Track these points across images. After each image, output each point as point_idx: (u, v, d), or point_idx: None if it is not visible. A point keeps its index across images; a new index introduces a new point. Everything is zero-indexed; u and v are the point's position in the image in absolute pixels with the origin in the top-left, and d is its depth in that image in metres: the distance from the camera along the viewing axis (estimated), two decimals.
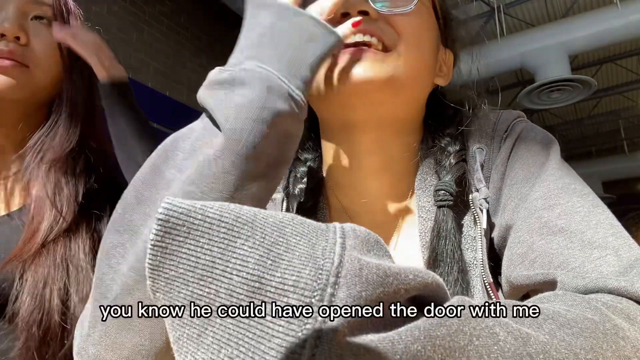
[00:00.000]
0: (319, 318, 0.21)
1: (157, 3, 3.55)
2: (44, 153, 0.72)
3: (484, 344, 0.26)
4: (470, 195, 0.52)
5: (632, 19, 3.63)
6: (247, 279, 0.22)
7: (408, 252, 0.56)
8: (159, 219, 0.24)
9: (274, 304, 0.22)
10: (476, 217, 0.51)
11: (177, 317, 0.23)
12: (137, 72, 3.30)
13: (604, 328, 0.30)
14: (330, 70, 0.50)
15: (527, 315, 0.30)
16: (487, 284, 0.48)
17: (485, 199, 0.51)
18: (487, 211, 0.51)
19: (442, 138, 0.57)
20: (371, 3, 0.49)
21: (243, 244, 0.23)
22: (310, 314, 0.21)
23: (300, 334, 0.21)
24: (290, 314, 0.21)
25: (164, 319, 0.24)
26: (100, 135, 0.82)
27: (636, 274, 0.37)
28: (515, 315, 0.29)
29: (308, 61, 0.41)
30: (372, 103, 0.51)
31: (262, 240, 0.24)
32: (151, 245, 0.24)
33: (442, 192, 0.52)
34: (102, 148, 0.81)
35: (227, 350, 0.22)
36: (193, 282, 0.23)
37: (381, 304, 0.23)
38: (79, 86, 0.78)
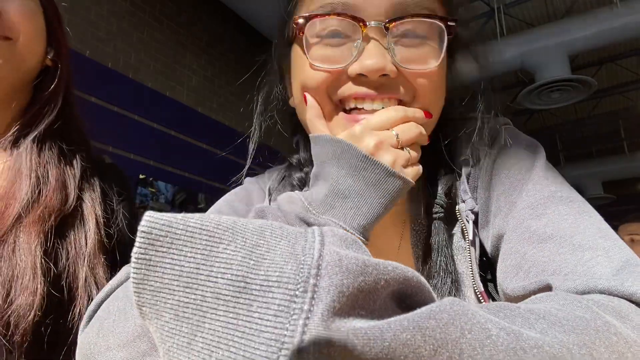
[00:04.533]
0: (305, 307, 0.22)
1: (158, 3, 3.55)
2: (28, 132, 0.69)
3: (477, 337, 0.26)
4: (457, 207, 0.52)
5: (631, 19, 3.63)
6: (232, 280, 0.23)
7: (405, 262, 0.56)
8: (142, 232, 0.24)
9: (260, 300, 0.22)
10: (463, 228, 0.51)
11: (165, 329, 0.23)
12: (137, 72, 3.29)
13: (595, 325, 0.31)
14: (336, 125, 0.51)
15: (518, 315, 0.30)
16: (478, 293, 0.49)
17: (471, 210, 0.51)
18: (474, 222, 0.51)
19: (430, 152, 0.56)
20: (395, 63, 0.48)
21: (225, 249, 0.24)
22: (296, 305, 0.22)
23: (288, 325, 0.21)
24: (277, 308, 0.22)
25: (153, 332, 0.24)
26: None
27: (627, 273, 0.37)
28: (506, 315, 0.29)
29: (379, 213, 0.44)
30: None
31: (243, 243, 0.24)
32: (135, 259, 0.24)
33: (434, 205, 0.52)
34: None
35: (218, 354, 0.22)
36: (179, 290, 0.23)
37: (366, 294, 0.24)
38: (64, 62, 0.75)
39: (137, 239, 0.24)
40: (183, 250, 0.24)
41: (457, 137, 0.56)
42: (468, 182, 0.53)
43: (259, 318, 0.22)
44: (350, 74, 0.48)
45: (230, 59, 4.10)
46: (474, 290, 0.49)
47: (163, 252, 0.24)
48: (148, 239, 0.24)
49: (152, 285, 0.24)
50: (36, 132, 0.70)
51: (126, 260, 0.69)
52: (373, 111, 0.49)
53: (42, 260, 0.61)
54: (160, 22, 3.57)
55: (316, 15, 0.49)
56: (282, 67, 0.61)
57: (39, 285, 0.60)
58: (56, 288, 0.62)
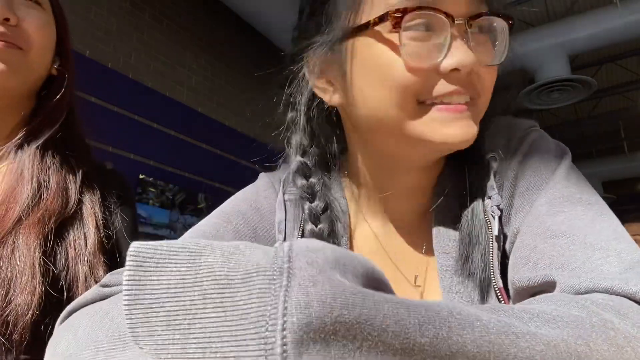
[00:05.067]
0: (284, 283, 0.24)
1: (158, 3, 3.55)
2: (32, 138, 0.71)
3: (467, 319, 0.26)
4: (483, 202, 0.52)
5: (632, 19, 3.63)
6: (216, 280, 0.25)
7: (429, 252, 0.58)
8: (131, 255, 0.26)
9: (243, 290, 0.24)
10: (488, 224, 0.51)
11: (158, 343, 0.25)
12: (137, 72, 3.29)
13: (590, 322, 0.31)
14: (425, 121, 0.48)
15: (512, 314, 0.30)
16: (497, 289, 0.49)
17: (497, 206, 0.51)
18: (500, 218, 0.51)
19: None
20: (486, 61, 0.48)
21: (206, 259, 0.26)
22: (275, 285, 0.24)
23: (270, 301, 0.23)
24: (259, 291, 0.24)
25: (147, 354, 0.25)
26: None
27: (634, 273, 0.37)
28: (499, 315, 0.29)
29: None
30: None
31: (221, 253, 0.27)
32: (125, 281, 0.26)
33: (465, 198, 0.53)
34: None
35: (212, 347, 0.24)
36: (168, 300, 0.25)
37: (341, 271, 0.26)
38: (70, 72, 0.77)
39: (127, 264, 0.26)
40: (168, 267, 0.26)
41: (487, 134, 0.56)
42: (495, 179, 0.54)
43: (244, 304, 0.24)
44: (444, 69, 0.47)
45: (230, 59, 4.10)
46: (493, 287, 0.49)
47: (151, 270, 0.26)
48: (136, 261, 0.26)
49: (142, 303, 0.25)
50: (41, 140, 0.71)
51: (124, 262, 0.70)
52: (458, 104, 0.48)
53: (41, 260, 0.62)
54: (160, 22, 3.57)
55: (412, 10, 0.46)
56: (316, 67, 0.57)
57: (37, 285, 0.61)
58: (55, 288, 0.63)
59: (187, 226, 3.35)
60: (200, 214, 3.43)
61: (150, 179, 3.23)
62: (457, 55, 0.46)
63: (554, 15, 4.56)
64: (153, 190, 3.23)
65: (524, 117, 0.60)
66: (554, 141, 0.56)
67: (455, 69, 0.47)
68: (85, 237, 0.69)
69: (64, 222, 0.69)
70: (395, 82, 0.48)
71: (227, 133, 3.93)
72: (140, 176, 3.16)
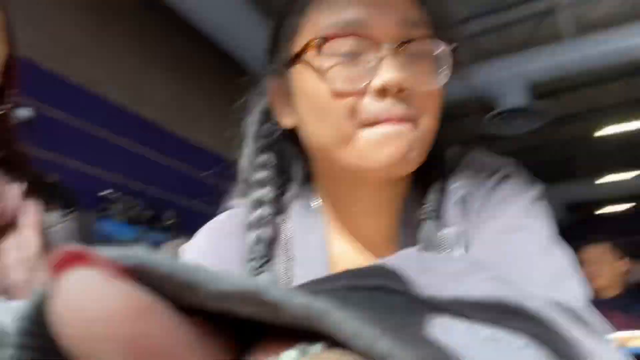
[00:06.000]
0: None
1: (123, 19, 3.52)
2: None
3: None
4: (444, 231, 0.52)
5: (586, 53, 3.88)
6: None
7: None
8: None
9: None
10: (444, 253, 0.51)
11: None
12: (103, 87, 3.24)
13: None
14: (357, 147, 0.48)
15: None
16: None
17: (457, 235, 0.51)
18: (460, 248, 0.51)
19: (424, 175, 0.55)
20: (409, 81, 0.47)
21: None
22: None
23: None
24: None
25: None
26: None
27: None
28: None
29: None
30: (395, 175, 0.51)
31: None
32: None
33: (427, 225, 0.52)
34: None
35: None
36: None
37: None
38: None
39: None
40: None
41: (454, 165, 0.56)
42: (458, 208, 0.53)
43: None
44: (372, 89, 0.47)
45: (198, 75, 4.08)
46: None
47: None
48: None
49: None
50: None
51: None
52: (391, 119, 0.47)
53: None
54: (127, 38, 3.54)
55: (333, 37, 0.47)
56: (273, 91, 0.58)
57: None
58: None
59: (154, 244, 3.27)
60: (167, 231, 3.35)
61: (116, 195, 3.15)
62: (383, 75, 0.47)
63: (514, 47, 4.79)
64: (118, 206, 3.15)
65: (484, 143, 0.62)
66: (526, 176, 0.55)
67: (384, 89, 0.47)
68: (23, 244, 0.70)
69: (3, 231, 0.69)
70: (322, 109, 0.49)
71: (195, 150, 3.89)
72: (105, 192, 3.08)
